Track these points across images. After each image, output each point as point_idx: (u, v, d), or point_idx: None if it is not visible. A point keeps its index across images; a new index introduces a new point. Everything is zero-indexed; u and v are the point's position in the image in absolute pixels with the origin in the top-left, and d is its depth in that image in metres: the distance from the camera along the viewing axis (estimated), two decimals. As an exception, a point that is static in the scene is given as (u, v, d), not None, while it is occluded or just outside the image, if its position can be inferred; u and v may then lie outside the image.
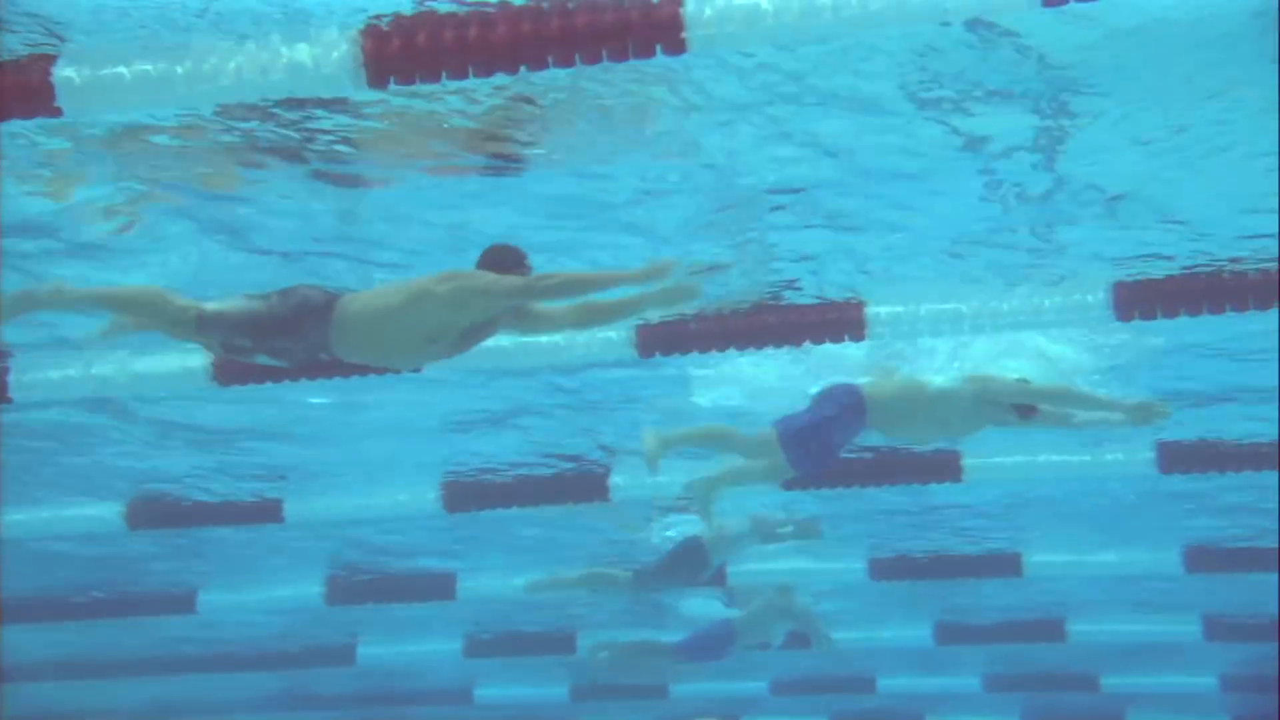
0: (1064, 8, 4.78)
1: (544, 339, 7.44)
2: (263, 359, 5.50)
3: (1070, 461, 9.28)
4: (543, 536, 11.63)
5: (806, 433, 7.38)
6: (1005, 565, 11.21)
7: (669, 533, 11.18)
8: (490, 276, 5.28)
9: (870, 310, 7.15)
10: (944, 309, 7.19)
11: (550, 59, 4.89)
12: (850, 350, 7.78)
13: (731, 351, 7.56)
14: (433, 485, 9.95)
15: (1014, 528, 11.31)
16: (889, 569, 11.63)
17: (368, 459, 10.03)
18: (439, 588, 12.14)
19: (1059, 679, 14.53)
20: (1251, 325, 7.33)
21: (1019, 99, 5.73)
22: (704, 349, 7.41)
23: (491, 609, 13.46)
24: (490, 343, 7.43)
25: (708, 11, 4.84)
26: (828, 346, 7.40)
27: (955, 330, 7.56)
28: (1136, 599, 12.24)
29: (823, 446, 7.48)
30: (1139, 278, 6.93)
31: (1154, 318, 7.02)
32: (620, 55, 4.90)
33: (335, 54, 5.04)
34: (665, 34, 4.85)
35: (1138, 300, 6.87)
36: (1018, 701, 15.15)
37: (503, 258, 5.42)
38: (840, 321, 7.20)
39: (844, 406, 7.42)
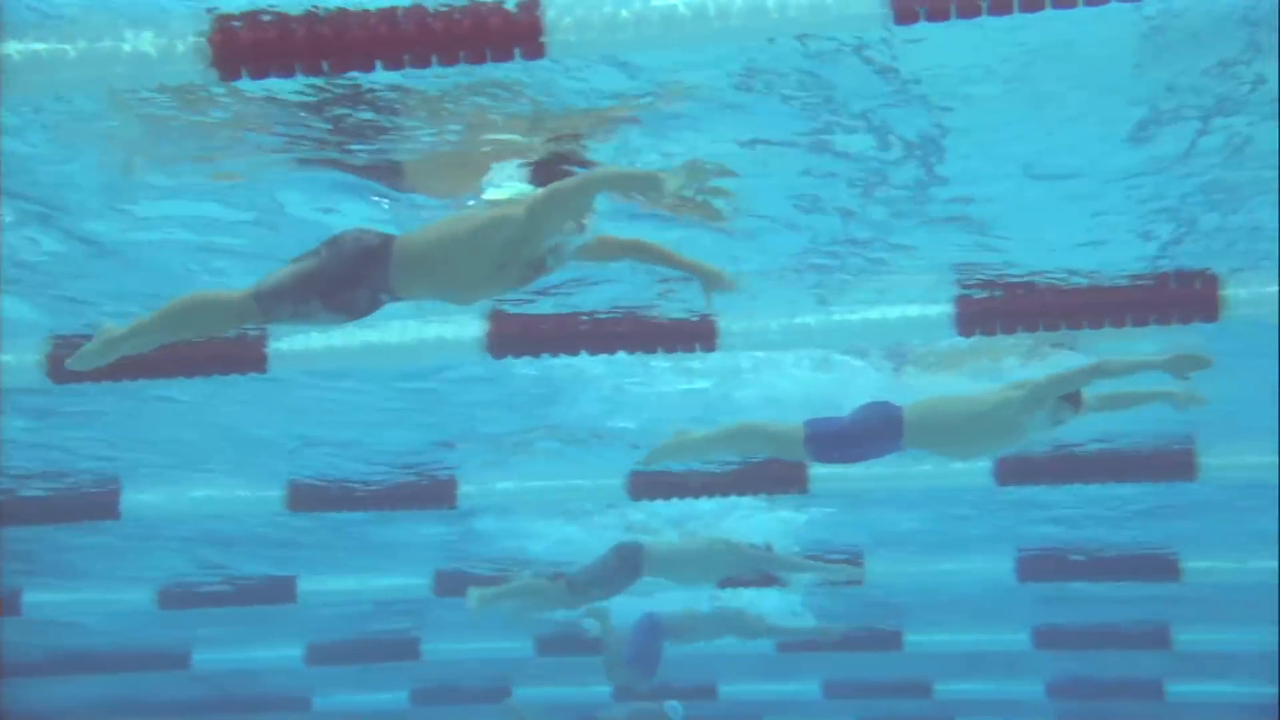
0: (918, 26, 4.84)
1: (394, 340, 7.38)
2: (325, 317, 5.32)
3: (910, 472, 9.49)
4: (389, 539, 11.48)
5: (835, 440, 7.27)
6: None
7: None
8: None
9: (723, 323, 7.18)
10: (793, 323, 7.27)
11: (406, 59, 4.82)
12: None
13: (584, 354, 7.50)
14: (278, 485, 9.77)
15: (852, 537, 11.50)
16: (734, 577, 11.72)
17: (211, 457, 9.78)
18: (279, 592, 11.93)
19: (895, 687, 14.82)
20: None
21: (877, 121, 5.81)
22: (554, 352, 7.36)
23: (333, 614, 13.26)
24: (340, 342, 7.49)
25: (567, 19, 4.81)
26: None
27: (805, 343, 7.65)
28: (971, 608, 12.53)
29: (846, 457, 7.44)
30: (982, 296, 7.06)
31: (995, 333, 7.21)
32: (478, 58, 4.86)
33: (182, 46, 4.89)
34: (524, 39, 4.81)
35: (978, 318, 7.00)
36: (855, 708, 15.40)
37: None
38: (693, 333, 7.23)
39: (881, 427, 7.26)
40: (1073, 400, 6.98)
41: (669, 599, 11.71)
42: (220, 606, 12.29)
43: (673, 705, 12.94)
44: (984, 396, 7.21)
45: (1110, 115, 5.74)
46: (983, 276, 7.07)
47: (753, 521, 11.07)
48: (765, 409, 8.49)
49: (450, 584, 11.96)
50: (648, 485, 9.64)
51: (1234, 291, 6.75)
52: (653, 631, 11.77)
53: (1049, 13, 4.72)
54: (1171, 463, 8.89)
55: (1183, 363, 6.60)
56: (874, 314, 7.26)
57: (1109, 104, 5.65)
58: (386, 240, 5.19)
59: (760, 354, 8.23)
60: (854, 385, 8.44)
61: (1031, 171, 6.19)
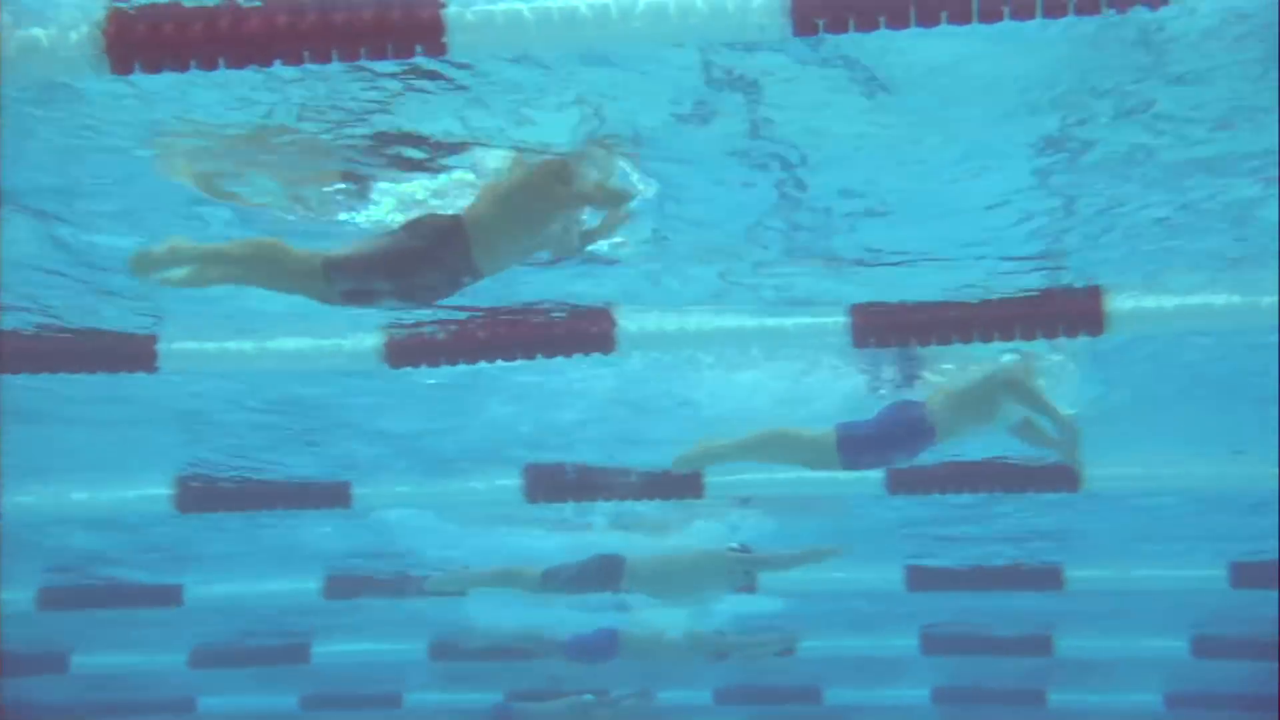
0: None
1: (289, 345, 7.33)
2: (391, 303, 5.38)
3: (805, 478, 9.58)
4: (281, 541, 11.33)
5: (867, 444, 7.33)
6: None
7: None
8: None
9: (622, 325, 7.19)
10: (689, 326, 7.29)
11: (306, 55, 4.76)
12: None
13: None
14: (165, 484, 9.58)
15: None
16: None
17: (96, 453, 9.57)
18: (164, 594, 11.69)
19: (786, 692, 14.93)
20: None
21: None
22: (452, 361, 7.33)
23: (221, 618, 13.03)
24: (235, 346, 7.37)
25: (469, 16, 4.79)
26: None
27: (706, 347, 7.68)
28: (859, 615, 12.66)
29: (878, 460, 7.56)
30: (878, 307, 7.13)
31: (889, 345, 7.31)
32: (379, 54, 4.83)
33: (74, 36, 4.79)
34: (426, 36, 4.79)
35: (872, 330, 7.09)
36: (746, 713, 15.48)
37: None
38: (590, 336, 7.24)
39: (912, 430, 7.36)
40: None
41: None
42: (103, 608, 12.02)
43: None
44: (976, 378, 7.41)
45: (1004, 134, 5.85)
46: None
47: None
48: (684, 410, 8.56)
49: (341, 587, 11.82)
50: (544, 489, 9.62)
51: (1118, 305, 6.88)
52: (605, 646, 11.83)
53: (943, 28, 4.79)
54: (1055, 474, 9.09)
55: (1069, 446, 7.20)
56: (770, 321, 7.31)
57: (1001, 125, 5.76)
58: (455, 217, 5.21)
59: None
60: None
61: (921, 186, 6.29)
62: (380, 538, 11.31)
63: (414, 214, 5.50)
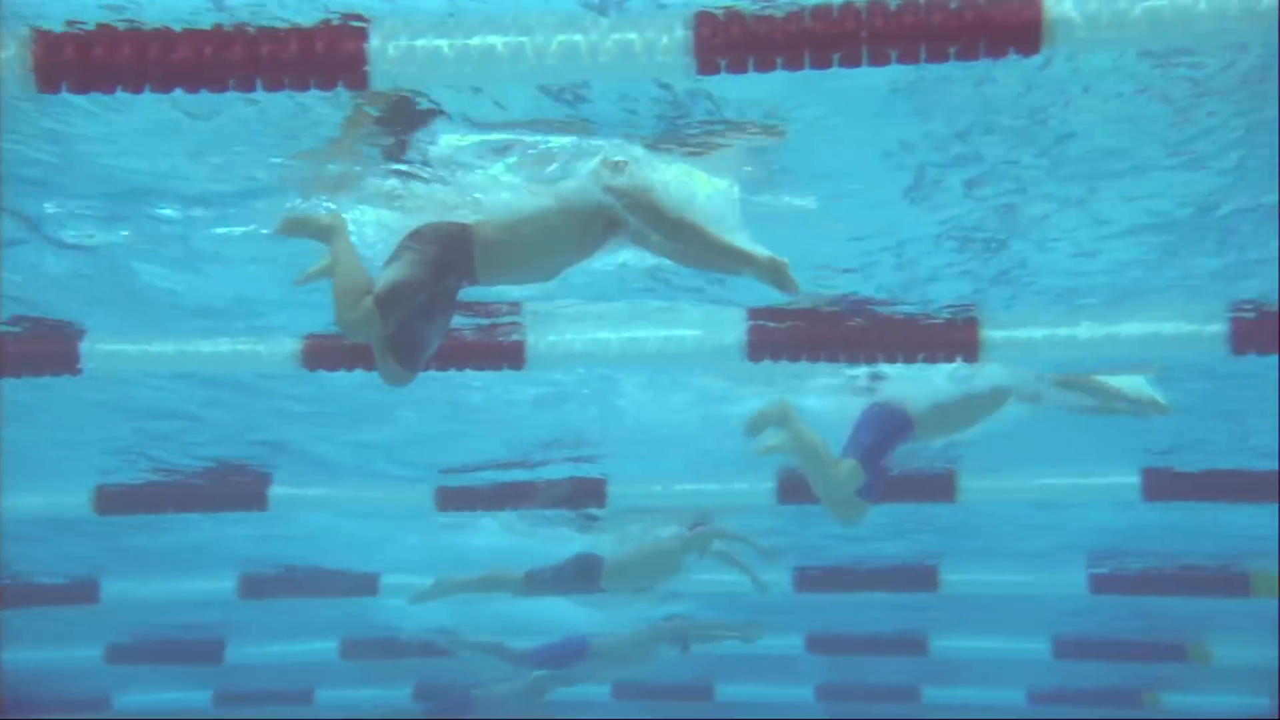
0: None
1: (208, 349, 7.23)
2: (418, 325, 5.15)
3: (700, 490, 9.63)
4: (196, 541, 11.11)
5: (873, 456, 7.31)
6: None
7: None
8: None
9: (531, 339, 7.17)
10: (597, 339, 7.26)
11: (231, 83, 4.70)
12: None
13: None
14: (85, 489, 9.35)
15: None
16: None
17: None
18: (80, 592, 11.41)
19: (678, 689, 14.98)
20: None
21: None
22: (368, 369, 7.19)
23: (137, 614, 12.75)
24: (156, 348, 7.21)
25: (391, 49, 4.76)
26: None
27: (604, 359, 7.67)
28: (755, 614, 12.74)
29: (882, 472, 7.44)
30: (772, 325, 7.15)
31: (781, 360, 7.35)
32: (303, 85, 4.77)
33: (4, 54, 4.68)
34: (347, 68, 4.75)
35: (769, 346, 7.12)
36: (639, 708, 15.48)
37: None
38: (501, 351, 7.20)
39: (894, 426, 7.33)
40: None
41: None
42: (17, 607, 11.70)
43: None
44: (979, 384, 7.37)
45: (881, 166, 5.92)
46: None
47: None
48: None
49: (256, 587, 11.64)
50: (454, 498, 9.55)
51: (991, 334, 6.98)
52: (574, 653, 11.72)
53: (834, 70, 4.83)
54: (935, 485, 9.23)
55: (1149, 406, 7.12)
56: (670, 333, 7.28)
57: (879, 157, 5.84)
58: (462, 226, 5.12)
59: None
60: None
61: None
62: (297, 540, 11.17)
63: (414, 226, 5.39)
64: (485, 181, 5.66)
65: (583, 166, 5.37)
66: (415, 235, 5.21)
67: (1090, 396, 7.38)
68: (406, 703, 14.91)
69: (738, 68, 4.80)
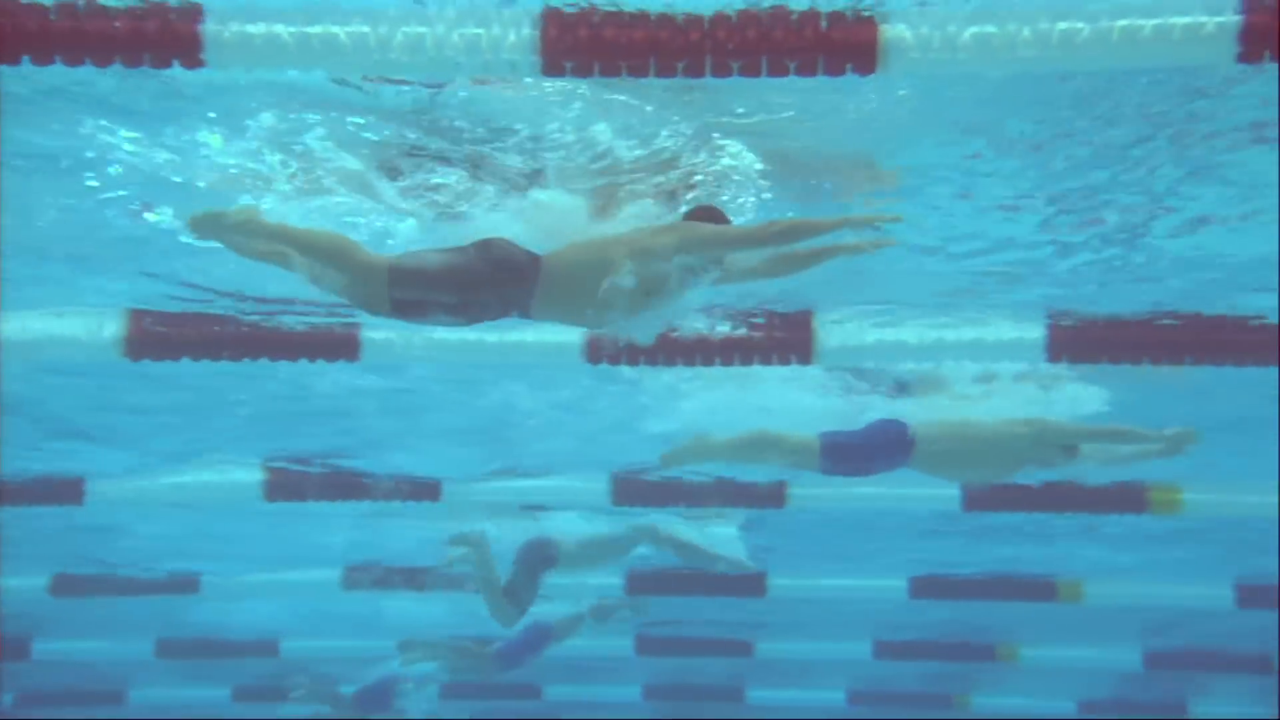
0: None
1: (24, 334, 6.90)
2: (444, 318, 5.00)
3: (536, 486, 9.62)
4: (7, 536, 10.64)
5: (847, 452, 7.06)
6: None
7: None
8: (715, 226, 5.04)
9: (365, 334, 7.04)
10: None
11: (59, 59, 4.53)
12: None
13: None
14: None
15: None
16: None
17: None
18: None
19: (506, 689, 14.94)
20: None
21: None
22: (195, 357, 6.98)
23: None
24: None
25: (226, 33, 4.63)
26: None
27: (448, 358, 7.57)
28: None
29: (857, 469, 7.19)
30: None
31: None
32: (135, 63, 4.61)
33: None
34: (183, 49, 4.60)
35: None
36: (470, 708, 15.38)
37: (710, 214, 5.23)
38: (335, 343, 7.08)
39: (891, 443, 7.09)
40: (1070, 450, 7.00)
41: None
42: None
43: None
44: (993, 426, 7.14)
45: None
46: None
47: None
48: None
49: (68, 585, 11.20)
50: (282, 488, 9.34)
51: (825, 334, 7.07)
52: (537, 640, 11.38)
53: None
54: (766, 493, 9.37)
55: (1179, 440, 6.88)
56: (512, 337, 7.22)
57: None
58: (534, 258, 4.95)
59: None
60: None
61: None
62: (108, 535, 10.79)
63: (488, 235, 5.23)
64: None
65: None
66: (484, 244, 5.05)
67: (1126, 444, 7.12)
68: (224, 700, 14.58)
69: (583, 71, 4.80)
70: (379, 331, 7.03)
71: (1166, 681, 14.00)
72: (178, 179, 5.87)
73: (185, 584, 11.35)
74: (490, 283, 4.95)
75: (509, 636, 11.33)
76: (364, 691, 12.45)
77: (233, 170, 5.82)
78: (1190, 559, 10.53)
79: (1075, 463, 7.11)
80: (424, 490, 9.48)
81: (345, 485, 9.48)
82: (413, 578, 11.56)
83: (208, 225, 5.01)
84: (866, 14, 4.65)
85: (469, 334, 7.07)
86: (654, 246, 4.96)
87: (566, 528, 10.15)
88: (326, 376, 8.06)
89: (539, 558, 9.62)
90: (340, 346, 7.10)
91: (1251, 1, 4.48)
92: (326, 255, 4.96)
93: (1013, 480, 7.60)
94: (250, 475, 9.27)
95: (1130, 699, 14.54)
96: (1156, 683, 13.95)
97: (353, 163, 5.79)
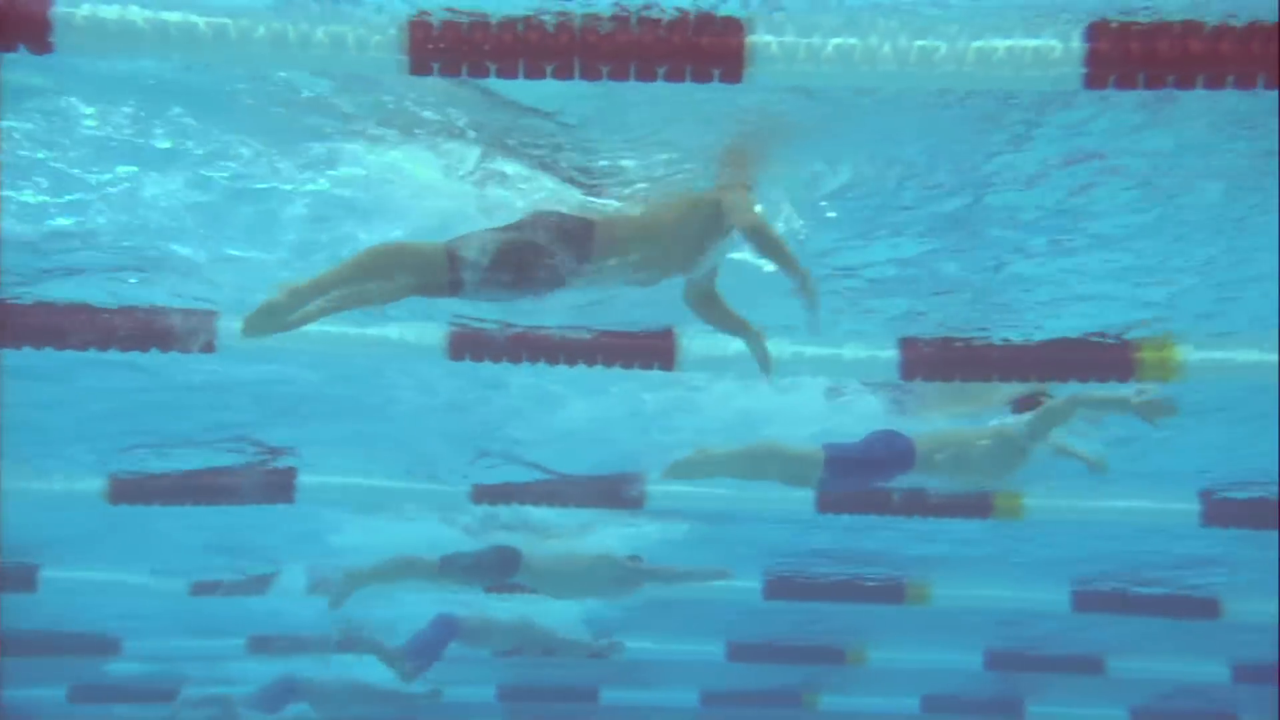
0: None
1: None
2: (502, 296, 5.06)
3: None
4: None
5: (851, 466, 6.95)
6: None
7: None
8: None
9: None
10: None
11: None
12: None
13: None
14: None
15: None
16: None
17: None
18: None
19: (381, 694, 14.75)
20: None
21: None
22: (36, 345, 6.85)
23: None
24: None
25: (79, 17, 4.49)
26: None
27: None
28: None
29: (858, 484, 7.16)
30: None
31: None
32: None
33: None
34: (31, 32, 4.44)
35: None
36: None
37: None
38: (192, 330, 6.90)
39: (895, 456, 7.01)
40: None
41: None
42: None
43: None
44: (987, 431, 7.15)
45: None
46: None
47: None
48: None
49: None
50: (127, 492, 9.02)
51: (688, 343, 7.14)
52: (444, 631, 11.18)
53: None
54: (625, 493, 9.42)
55: (1152, 408, 6.78)
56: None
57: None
58: (588, 225, 5.07)
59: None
60: None
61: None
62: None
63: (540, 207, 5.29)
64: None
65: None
66: (536, 219, 5.10)
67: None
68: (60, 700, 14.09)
69: (450, 70, 4.77)
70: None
71: (1005, 681, 14.43)
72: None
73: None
74: (545, 256, 5.00)
75: (412, 633, 11.30)
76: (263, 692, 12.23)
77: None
78: (1030, 563, 10.85)
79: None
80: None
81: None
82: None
83: (263, 323, 4.89)
84: (733, 20, 4.70)
85: (332, 327, 7.02)
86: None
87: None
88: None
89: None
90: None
91: (1096, 29, 4.64)
92: (381, 269, 4.93)
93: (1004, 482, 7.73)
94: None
95: (970, 697, 14.95)
96: (996, 682, 14.37)
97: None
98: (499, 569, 9.83)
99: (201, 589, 11.37)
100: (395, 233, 5.75)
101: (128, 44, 4.60)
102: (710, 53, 4.70)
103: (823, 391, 7.95)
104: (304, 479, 9.28)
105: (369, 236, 5.85)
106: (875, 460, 7.10)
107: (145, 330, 6.88)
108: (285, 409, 8.77)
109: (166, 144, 5.71)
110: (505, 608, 11.51)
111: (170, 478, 9.25)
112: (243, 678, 13.15)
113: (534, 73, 4.75)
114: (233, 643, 12.84)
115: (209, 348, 6.90)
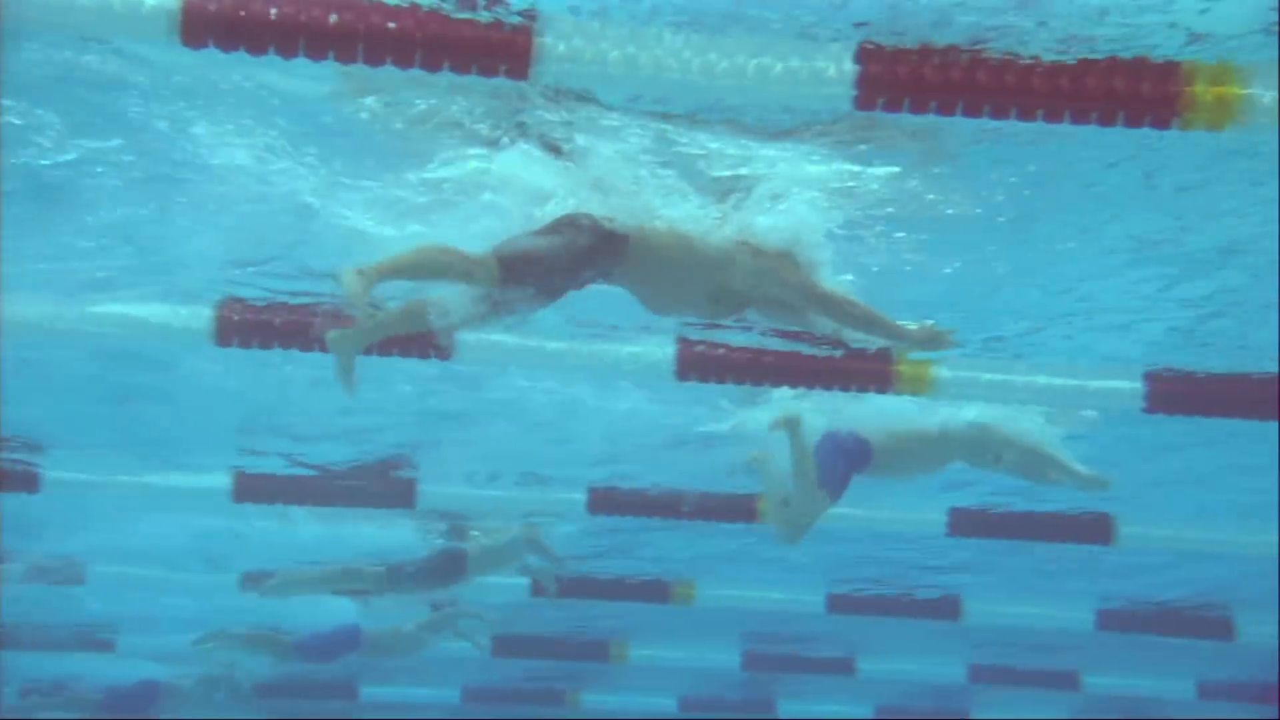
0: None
1: None
2: (539, 299, 4.98)
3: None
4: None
5: (841, 488, 6.98)
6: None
7: None
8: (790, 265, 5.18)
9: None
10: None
11: None
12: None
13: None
14: None
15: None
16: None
17: None
18: None
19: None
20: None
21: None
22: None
23: None
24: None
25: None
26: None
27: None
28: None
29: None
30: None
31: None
32: None
33: None
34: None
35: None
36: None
37: None
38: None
39: (851, 457, 6.98)
40: (998, 459, 7.15)
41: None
42: None
43: None
44: (939, 427, 7.16)
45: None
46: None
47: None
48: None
49: None
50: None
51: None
52: (346, 642, 11.11)
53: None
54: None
55: (1093, 482, 7.00)
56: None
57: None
58: (623, 236, 4.99)
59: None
60: None
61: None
62: None
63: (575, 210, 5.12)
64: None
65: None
66: (573, 222, 4.98)
67: (1036, 465, 7.18)
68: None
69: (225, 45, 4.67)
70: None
71: (759, 681, 14.86)
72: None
73: None
74: (585, 261, 5.01)
75: (315, 630, 11.19)
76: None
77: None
78: (790, 567, 11.20)
79: (998, 470, 7.30)
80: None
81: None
82: None
83: (351, 342, 4.91)
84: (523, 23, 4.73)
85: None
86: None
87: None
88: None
89: None
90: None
91: (864, 52, 4.84)
92: (434, 269, 4.87)
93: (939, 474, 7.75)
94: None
95: (725, 698, 15.35)
96: (750, 682, 14.78)
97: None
98: (447, 571, 9.86)
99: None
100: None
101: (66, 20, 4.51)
102: (497, 47, 4.72)
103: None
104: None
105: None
106: (832, 465, 7.09)
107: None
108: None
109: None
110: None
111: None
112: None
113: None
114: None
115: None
